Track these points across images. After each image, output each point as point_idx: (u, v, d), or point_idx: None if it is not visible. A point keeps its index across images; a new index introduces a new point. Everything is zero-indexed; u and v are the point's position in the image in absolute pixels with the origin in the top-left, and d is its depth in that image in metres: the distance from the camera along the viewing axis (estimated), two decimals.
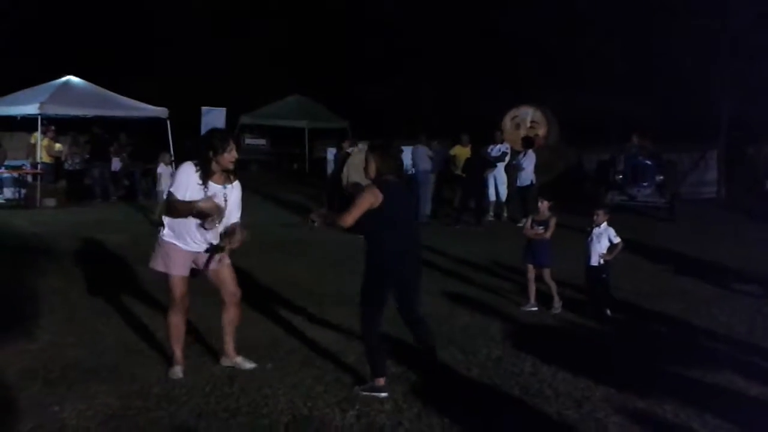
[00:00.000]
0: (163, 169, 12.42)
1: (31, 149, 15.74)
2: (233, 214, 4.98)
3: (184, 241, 4.90)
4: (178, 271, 4.95)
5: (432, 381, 4.94)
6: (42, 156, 15.10)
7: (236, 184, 5.01)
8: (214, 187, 4.83)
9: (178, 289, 4.98)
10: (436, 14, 25.63)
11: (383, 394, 4.74)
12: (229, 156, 4.80)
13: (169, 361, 5.27)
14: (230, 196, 4.91)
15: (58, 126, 16.28)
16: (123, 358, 5.46)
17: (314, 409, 4.56)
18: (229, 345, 5.28)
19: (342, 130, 21.28)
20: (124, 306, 6.96)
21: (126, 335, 6.06)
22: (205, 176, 4.80)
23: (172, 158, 12.89)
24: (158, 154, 13.41)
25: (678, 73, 19.91)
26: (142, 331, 6.19)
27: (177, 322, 5.07)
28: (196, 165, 4.81)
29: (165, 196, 11.89)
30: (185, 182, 4.79)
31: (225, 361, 5.28)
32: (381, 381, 4.81)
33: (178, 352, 5.14)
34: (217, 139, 4.83)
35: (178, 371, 5.08)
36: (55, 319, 6.50)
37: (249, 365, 5.23)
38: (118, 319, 6.55)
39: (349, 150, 12.70)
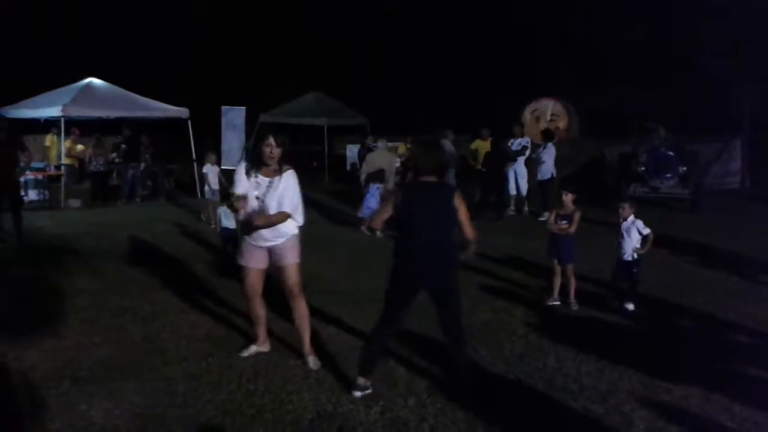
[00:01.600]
0: (209, 169, 12.23)
1: (46, 151, 16.00)
2: (283, 204, 5.12)
3: (252, 237, 5.22)
4: (246, 262, 5.32)
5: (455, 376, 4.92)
6: (62, 157, 15.29)
7: (286, 175, 5.14)
8: (261, 179, 5.11)
9: (246, 279, 5.36)
10: (455, 6, 25.53)
11: (356, 393, 4.70)
12: (266, 150, 5.05)
13: (193, 359, 5.35)
14: (276, 187, 5.10)
15: (81, 128, 16.47)
16: (149, 356, 5.53)
17: (338, 406, 4.59)
18: (301, 342, 5.40)
19: (361, 127, 21.27)
20: (150, 305, 7.03)
21: (152, 333, 6.13)
22: (252, 169, 5.13)
23: (218, 159, 12.72)
24: (179, 154, 13.45)
25: (700, 62, 19.66)
26: (167, 329, 6.25)
27: (251, 308, 5.50)
28: (247, 163, 5.22)
29: (212, 195, 11.95)
30: (239, 179, 5.16)
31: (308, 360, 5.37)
32: (361, 380, 4.76)
33: (256, 332, 5.59)
34: (260, 135, 5.24)
35: (252, 349, 5.55)
36: (82, 318, 6.59)
37: (314, 365, 5.26)
38: (144, 317, 6.62)
39: (372, 146, 12.74)
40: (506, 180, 13.53)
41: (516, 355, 5.57)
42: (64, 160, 15.38)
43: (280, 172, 5.11)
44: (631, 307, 6.79)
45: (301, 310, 5.32)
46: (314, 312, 6.68)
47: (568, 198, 7.09)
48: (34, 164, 15.54)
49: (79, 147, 16.21)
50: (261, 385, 4.92)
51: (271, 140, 5.03)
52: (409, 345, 5.70)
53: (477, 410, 4.45)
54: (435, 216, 4.67)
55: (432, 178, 4.77)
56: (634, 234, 6.87)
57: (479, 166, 13.68)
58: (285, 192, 5.09)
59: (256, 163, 5.12)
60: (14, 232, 10.12)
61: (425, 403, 4.61)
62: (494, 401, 4.69)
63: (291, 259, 5.26)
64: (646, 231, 6.87)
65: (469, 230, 4.81)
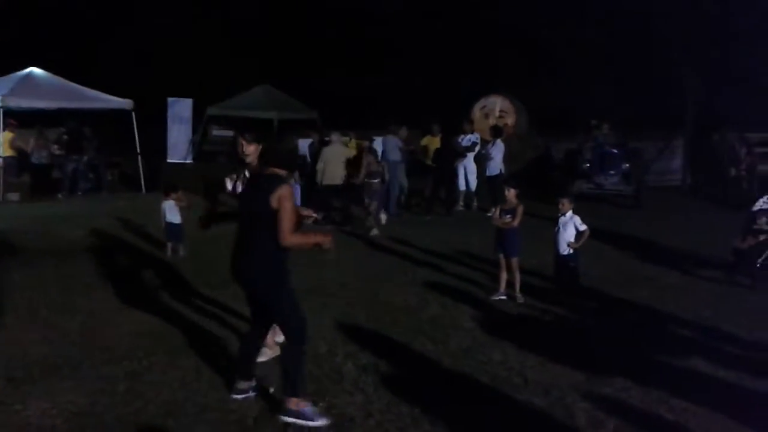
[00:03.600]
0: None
1: None
2: None
3: None
4: None
5: (402, 372, 4.93)
6: (4, 149, 14.76)
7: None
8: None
9: None
10: (402, 3, 25.59)
11: (235, 396, 4.57)
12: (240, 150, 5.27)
13: (134, 356, 5.25)
14: None
15: (21, 119, 15.92)
16: (88, 354, 5.37)
17: (283, 403, 4.53)
18: None
19: (311, 121, 21.12)
20: (88, 302, 6.84)
21: (90, 332, 5.95)
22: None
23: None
24: (123, 147, 13.05)
25: (644, 61, 20.12)
26: (108, 326, 6.09)
27: None
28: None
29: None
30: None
31: None
32: (241, 383, 4.62)
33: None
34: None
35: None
36: (18, 316, 6.37)
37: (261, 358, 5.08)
38: (84, 314, 6.44)
39: (326, 140, 12.68)
40: (456, 176, 13.64)
41: (462, 350, 5.61)
42: (5, 152, 14.84)
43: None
44: (575, 300, 6.91)
45: None
46: None
47: (510, 193, 7.21)
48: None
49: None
50: (204, 383, 4.83)
51: (241, 141, 5.23)
52: (357, 341, 5.69)
53: (423, 405, 4.46)
54: (252, 212, 4.28)
55: (275, 171, 4.32)
56: (570, 229, 7.02)
57: (429, 162, 13.75)
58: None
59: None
60: None
61: (372, 399, 4.60)
62: (440, 396, 4.70)
63: None
64: (583, 227, 7.01)
65: (282, 231, 4.11)
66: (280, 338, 4.90)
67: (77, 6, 26.28)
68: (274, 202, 4.12)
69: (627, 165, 14.54)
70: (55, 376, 4.94)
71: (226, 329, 5.91)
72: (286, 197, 4.14)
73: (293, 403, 4.24)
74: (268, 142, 4.78)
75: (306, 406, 4.25)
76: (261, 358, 5.04)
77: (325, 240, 4.43)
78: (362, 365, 5.19)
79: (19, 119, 15.84)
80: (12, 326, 6.07)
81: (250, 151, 5.14)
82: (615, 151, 14.57)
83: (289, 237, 4.15)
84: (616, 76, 21.05)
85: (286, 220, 4.11)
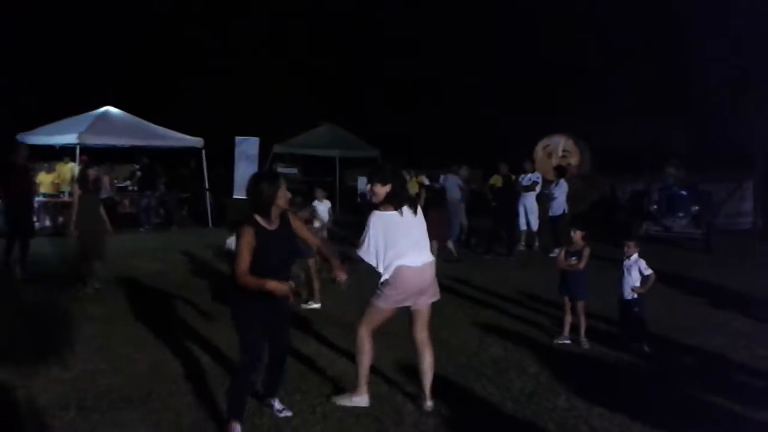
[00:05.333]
0: (317, 205, 10.91)
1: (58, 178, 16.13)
2: None
3: None
4: None
5: (464, 415, 4.86)
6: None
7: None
8: None
9: None
10: (467, 42, 25.84)
11: None
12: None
13: (202, 389, 5.32)
14: None
15: (93, 156, 16.61)
16: (156, 387, 5.49)
17: None
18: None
19: (373, 159, 21.39)
20: (158, 334, 7.01)
21: (159, 364, 6.10)
22: None
23: (326, 194, 11.09)
24: (193, 183, 13.42)
25: (713, 101, 19.71)
26: (175, 358, 6.22)
27: None
28: None
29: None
30: None
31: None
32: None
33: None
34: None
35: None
36: (90, 346, 6.58)
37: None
38: (152, 347, 6.60)
39: None
40: (516, 215, 13.53)
41: (526, 394, 5.50)
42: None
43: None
44: (645, 347, 6.71)
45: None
46: (321, 344, 6.70)
47: (577, 235, 7.09)
48: (48, 192, 15.66)
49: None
50: (266, 420, 4.86)
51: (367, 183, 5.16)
52: (417, 382, 5.64)
53: None
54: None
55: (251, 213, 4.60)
56: (635, 273, 6.83)
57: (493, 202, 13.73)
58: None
59: None
60: (19, 259, 10.09)
61: None
62: None
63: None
64: (648, 272, 6.81)
65: (235, 270, 4.43)
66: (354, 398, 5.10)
67: (151, 48, 27.46)
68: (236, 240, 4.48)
69: (696, 207, 14.13)
70: (123, 407, 5.06)
71: (294, 362, 5.95)
72: (238, 237, 4.44)
73: (228, 427, 4.48)
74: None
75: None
76: (342, 402, 5.09)
77: (278, 289, 4.36)
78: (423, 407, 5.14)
79: (91, 156, 16.52)
80: (83, 357, 6.26)
81: (374, 192, 5.03)
82: (684, 192, 14.20)
83: (240, 277, 4.37)
84: (684, 115, 20.68)
85: (238, 259, 4.39)
